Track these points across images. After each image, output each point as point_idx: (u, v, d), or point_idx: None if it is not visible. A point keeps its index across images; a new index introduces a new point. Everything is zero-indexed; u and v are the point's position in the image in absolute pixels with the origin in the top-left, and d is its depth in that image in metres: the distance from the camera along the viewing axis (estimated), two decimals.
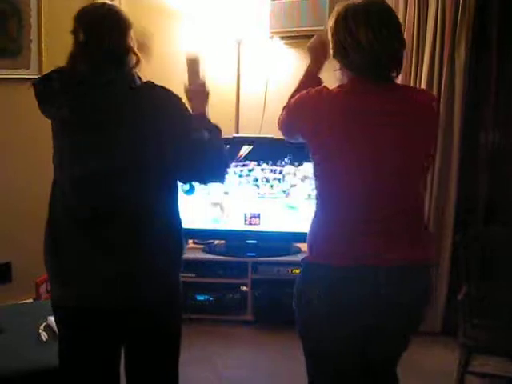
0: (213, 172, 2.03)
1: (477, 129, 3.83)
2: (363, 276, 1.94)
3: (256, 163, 3.96)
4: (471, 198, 3.85)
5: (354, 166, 1.94)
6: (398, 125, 1.95)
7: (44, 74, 2.05)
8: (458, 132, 3.65)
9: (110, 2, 2.02)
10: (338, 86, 2.00)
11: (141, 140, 1.92)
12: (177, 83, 2.04)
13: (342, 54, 1.97)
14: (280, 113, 2.17)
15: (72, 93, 1.93)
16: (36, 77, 3.65)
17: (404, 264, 1.97)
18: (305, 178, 3.89)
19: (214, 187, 3.89)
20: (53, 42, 3.83)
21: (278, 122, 2.18)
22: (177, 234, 2.06)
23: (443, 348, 3.63)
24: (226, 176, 2.10)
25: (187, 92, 2.08)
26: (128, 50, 1.98)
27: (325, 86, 2.03)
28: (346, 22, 1.94)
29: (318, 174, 2.02)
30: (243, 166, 3.97)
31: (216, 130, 2.03)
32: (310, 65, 2.29)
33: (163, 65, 4.01)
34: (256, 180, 3.97)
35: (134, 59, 1.98)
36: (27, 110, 3.71)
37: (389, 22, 1.96)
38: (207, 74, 2.09)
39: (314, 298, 1.99)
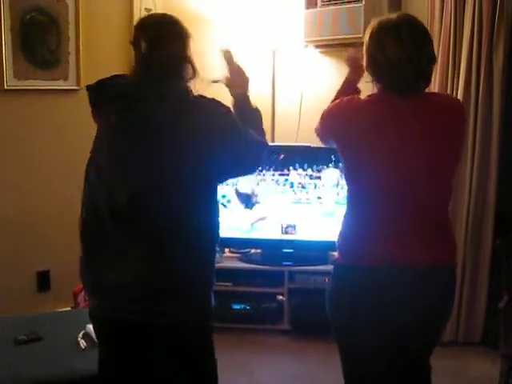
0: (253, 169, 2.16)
1: None
2: (394, 277, 1.98)
3: (292, 168, 3.97)
4: (511, 202, 3.78)
5: (384, 169, 1.99)
6: (422, 132, 1.99)
7: (100, 79, 2.02)
8: (497, 135, 3.59)
9: (169, 14, 2.05)
10: (368, 96, 2.07)
11: (187, 154, 1.91)
12: (213, 93, 2.04)
13: (372, 67, 2.04)
14: (318, 120, 2.24)
15: (122, 103, 1.93)
16: (74, 88, 3.78)
17: (432, 265, 2.01)
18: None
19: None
20: (90, 54, 3.90)
21: (315, 130, 2.25)
22: (211, 254, 2.05)
23: (483, 359, 3.55)
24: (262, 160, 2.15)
25: (228, 80, 2.12)
26: (187, 60, 1.99)
27: (357, 96, 2.09)
28: (377, 37, 2.01)
29: (349, 178, 2.09)
30: (280, 175, 3.98)
31: (257, 112, 2.13)
32: (348, 74, 2.39)
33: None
34: (292, 185, 3.98)
35: (191, 71, 2.00)
36: (66, 121, 3.82)
37: (419, 39, 2.00)
38: (243, 63, 2.15)
39: (347, 300, 2.05)
